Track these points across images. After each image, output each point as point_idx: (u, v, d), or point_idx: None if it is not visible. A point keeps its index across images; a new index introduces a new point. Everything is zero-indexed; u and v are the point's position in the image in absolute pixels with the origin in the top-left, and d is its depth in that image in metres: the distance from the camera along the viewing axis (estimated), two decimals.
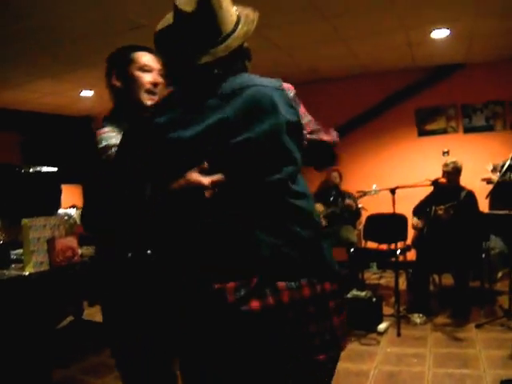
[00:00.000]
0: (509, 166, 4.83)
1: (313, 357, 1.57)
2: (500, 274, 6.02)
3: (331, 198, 6.88)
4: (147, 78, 2.20)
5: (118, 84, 2.20)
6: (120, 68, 2.22)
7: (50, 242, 3.26)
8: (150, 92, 2.18)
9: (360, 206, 6.66)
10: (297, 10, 4.59)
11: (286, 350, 1.53)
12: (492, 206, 6.66)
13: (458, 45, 6.19)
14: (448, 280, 5.58)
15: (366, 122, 7.71)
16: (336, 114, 7.67)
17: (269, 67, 6.48)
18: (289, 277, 1.53)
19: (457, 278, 5.24)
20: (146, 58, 2.25)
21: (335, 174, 7.13)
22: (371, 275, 7.05)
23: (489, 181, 5.57)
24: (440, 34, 5.69)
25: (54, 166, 5.76)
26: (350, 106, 7.72)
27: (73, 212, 4.82)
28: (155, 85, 2.20)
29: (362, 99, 7.65)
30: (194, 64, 1.62)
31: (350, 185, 7.10)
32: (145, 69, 2.22)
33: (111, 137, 2.06)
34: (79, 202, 8.66)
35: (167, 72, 2.06)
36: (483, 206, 5.45)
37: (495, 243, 5.85)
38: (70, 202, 7.98)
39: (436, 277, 6.04)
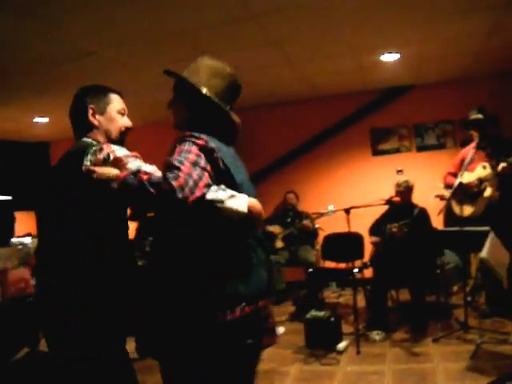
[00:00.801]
0: (459, 183, 4.98)
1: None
2: (455, 288, 6.15)
3: (288, 220, 6.98)
4: (124, 121, 2.34)
5: (95, 122, 2.26)
6: (98, 107, 2.28)
7: (2, 273, 3.23)
8: (123, 134, 2.32)
9: (317, 226, 6.75)
10: (245, 34, 4.67)
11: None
12: (446, 221, 6.86)
13: (408, 67, 6.37)
14: (405, 296, 5.67)
15: (321, 143, 7.82)
16: (292, 136, 7.81)
17: None
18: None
19: (413, 293, 5.34)
20: (122, 102, 2.38)
21: (292, 196, 7.24)
22: (330, 294, 7.10)
23: (442, 197, 5.72)
24: (390, 57, 5.83)
25: (7, 193, 5.65)
26: (306, 127, 7.84)
27: (28, 240, 4.75)
28: (128, 129, 2.34)
29: (317, 121, 7.76)
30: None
31: (307, 205, 7.21)
32: (122, 112, 2.34)
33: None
34: (34, 230, 8.43)
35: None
36: (437, 222, 5.60)
37: (450, 258, 5.97)
38: (25, 229, 7.83)
39: (394, 293, 6.14)
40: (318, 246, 6.71)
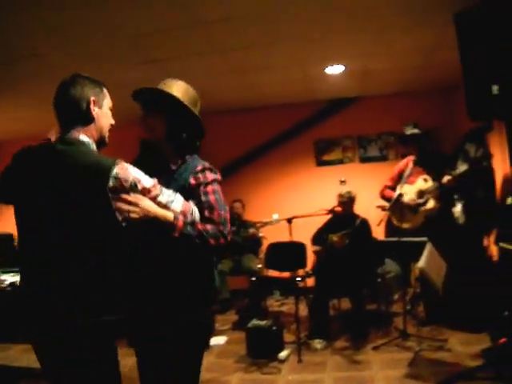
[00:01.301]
0: (399, 195, 5.09)
1: None
2: (396, 296, 6.27)
3: (234, 228, 6.96)
4: (112, 119, 2.34)
5: (94, 115, 2.20)
6: (98, 99, 2.24)
7: None
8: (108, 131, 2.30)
9: (260, 234, 6.78)
10: (193, 42, 4.67)
11: None
12: (387, 231, 7.00)
13: (353, 80, 6.48)
14: (347, 304, 5.76)
15: (266, 153, 7.87)
16: (239, 145, 7.83)
17: None
18: None
19: (353, 302, 5.43)
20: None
21: (238, 205, 7.24)
22: (274, 302, 7.13)
23: (383, 208, 5.84)
24: (335, 69, 5.92)
25: None
26: (252, 136, 7.88)
27: None
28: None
29: (262, 130, 7.81)
30: None
31: (253, 214, 7.23)
32: (111, 109, 2.35)
33: None
34: None
35: None
36: (379, 231, 5.71)
37: (390, 267, 6.10)
38: None
39: (336, 302, 6.22)
40: (262, 255, 6.73)
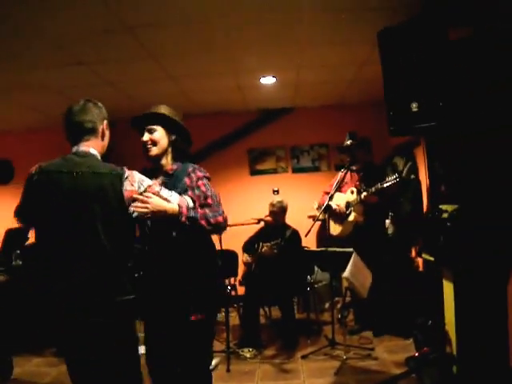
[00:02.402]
0: (326, 206, 5.18)
1: None
2: (327, 305, 6.37)
3: None
4: None
5: (106, 133, 2.73)
6: (108, 122, 2.74)
7: None
8: None
9: None
10: (120, 46, 4.63)
11: None
12: (318, 241, 7.12)
13: (285, 91, 6.57)
14: (278, 312, 5.79)
15: (200, 161, 7.73)
16: None
17: (102, 103, 6.48)
18: None
19: (283, 310, 5.49)
20: None
21: None
22: None
23: (314, 218, 5.92)
24: (267, 80, 5.99)
25: None
26: None
27: None
28: None
29: (196, 138, 7.65)
30: None
31: None
32: None
33: None
34: None
35: None
36: (310, 241, 5.79)
37: (321, 276, 6.21)
38: None
39: (267, 310, 6.27)
40: None
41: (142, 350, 2.95)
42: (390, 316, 5.28)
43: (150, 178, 2.72)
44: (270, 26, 4.28)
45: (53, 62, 4.90)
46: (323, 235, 7.16)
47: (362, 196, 5.25)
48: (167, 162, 3.04)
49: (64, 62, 4.92)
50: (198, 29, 4.31)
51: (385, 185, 4.97)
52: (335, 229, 5.55)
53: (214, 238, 5.16)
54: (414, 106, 2.93)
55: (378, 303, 5.39)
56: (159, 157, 3.01)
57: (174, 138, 3.05)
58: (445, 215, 3.70)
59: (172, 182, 2.90)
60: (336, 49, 4.90)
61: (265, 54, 5.06)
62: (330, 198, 5.02)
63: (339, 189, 5.39)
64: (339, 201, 5.46)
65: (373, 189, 5.11)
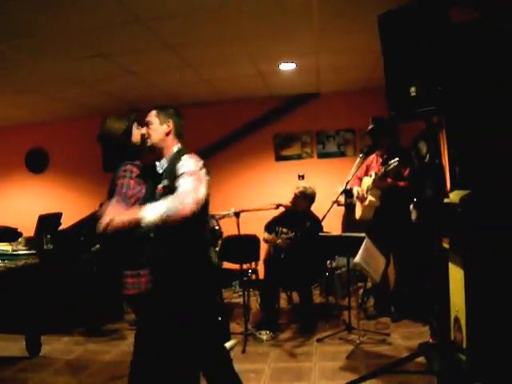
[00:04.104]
0: (344, 190, 5.18)
1: None
2: (348, 290, 6.36)
3: None
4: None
5: None
6: None
7: None
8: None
9: (217, 227, 6.84)
10: (138, 38, 4.73)
11: None
12: (344, 226, 7.10)
13: (307, 77, 6.58)
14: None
15: (226, 148, 7.94)
16: (197, 140, 7.84)
17: (125, 93, 6.62)
18: None
19: (300, 295, 5.53)
20: None
21: None
22: (232, 294, 7.22)
23: (338, 203, 5.91)
24: (287, 66, 6.01)
25: None
26: (211, 131, 7.93)
27: None
28: None
29: (222, 125, 7.90)
30: None
31: (211, 208, 7.21)
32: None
33: None
34: None
35: None
36: (334, 226, 5.76)
37: (343, 261, 6.20)
38: None
39: (288, 294, 6.32)
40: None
41: None
42: (411, 301, 5.27)
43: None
44: (286, 13, 4.30)
45: (74, 54, 5.05)
46: (348, 221, 7.17)
47: (371, 180, 5.23)
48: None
49: (84, 54, 5.06)
50: (212, 17, 4.36)
51: (388, 168, 4.96)
52: (358, 213, 5.56)
53: (232, 222, 5.35)
54: (413, 91, 2.91)
55: (398, 288, 5.39)
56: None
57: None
58: (456, 200, 3.67)
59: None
60: (353, 34, 4.87)
61: (282, 41, 5.08)
62: (347, 183, 5.03)
63: (366, 173, 5.38)
64: (365, 185, 5.45)
65: (379, 173, 5.09)
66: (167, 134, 3.03)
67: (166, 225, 2.59)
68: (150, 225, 2.58)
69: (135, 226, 2.57)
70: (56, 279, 5.16)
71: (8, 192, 8.88)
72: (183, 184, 2.68)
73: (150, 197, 2.90)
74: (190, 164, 2.80)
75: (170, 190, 2.74)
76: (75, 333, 5.53)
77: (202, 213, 2.75)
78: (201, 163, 2.86)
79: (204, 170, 2.83)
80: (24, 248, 5.45)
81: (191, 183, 2.68)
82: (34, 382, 4.29)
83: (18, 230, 7.14)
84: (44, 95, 6.61)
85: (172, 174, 2.82)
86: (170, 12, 4.12)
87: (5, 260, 4.74)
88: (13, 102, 6.97)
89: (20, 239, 5.82)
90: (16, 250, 5.32)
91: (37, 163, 8.63)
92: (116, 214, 2.59)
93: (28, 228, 6.29)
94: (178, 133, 3.09)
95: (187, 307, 2.88)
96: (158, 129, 3.03)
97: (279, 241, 5.51)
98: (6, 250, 5.31)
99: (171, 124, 3.04)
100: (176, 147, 3.05)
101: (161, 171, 3.00)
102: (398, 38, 3.02)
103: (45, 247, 5.38)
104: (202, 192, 2.70)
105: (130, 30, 4.44)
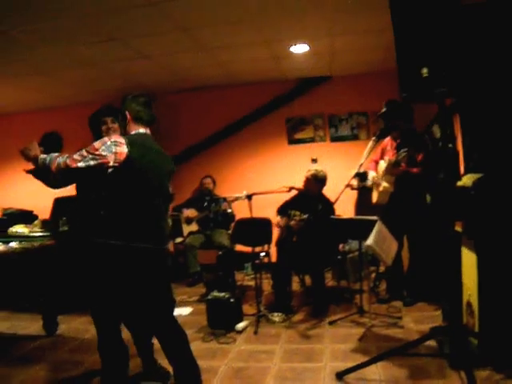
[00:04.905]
0: (358, 174, 5.17)
1: None
2: (361, 274, 6.37)
3: (205, 204, 7.06)
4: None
5: None
6: None
7: None
8: None
9: (229, 210, 6.89)
10: (150, 20, 4.74)
11: None
12: (356, 212, 7.08)
13: (320, 59, 6.55)
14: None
15: (238, 131, 7.96)
16: (209, 122, 7.89)
17: (139, 76, 6.63)
18: None
19: (313, 278, 5.55)
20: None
21: (209, 180, 7.33)
22: (245, 276, 7.26)
23: (351, 187, 5.90)
24: (300, 49, 5.99)
25: None
26: (223, 114, 7.95)
27: None
28: None
29: (234, 108, 7.90)
30: None
31: (224, 191, 7.31)
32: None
33: None
34: None
35: None
36: (347, 210, 5.74)
37: (356, 245, 6.19)
38: None
39: (301, 276, 6.35)
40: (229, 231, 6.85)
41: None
42: (424, 285, 5.27)
43: None
44: None
45: (87, 38, 5.07)
46: (360, 204, 7.16)
47: (383, 167, 5.22)
48: None
49: (97, 37, 5.09)
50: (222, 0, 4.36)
51: (398, 158, 4.97)
52: (374, 197, 5.55)
53: (244, 205, 5.37)
54: (425, 72, 2.88)
55: (411, 272, 5.39)
56: None
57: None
58: (469, 184, 3.66)
59: None
60: (367, 14, 4.84)
61: (295, 23, 5.07)
62: (360, 166, 5.02)
63: (382, 156, 5.38)
64: (380, 169, 5.44)
65: (391, 160, 5.09)
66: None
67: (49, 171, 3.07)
68: (39, 164, 3.16)
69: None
70: (71, 260, 5.22)
71: (24, 175, 8.93)
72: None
73: None
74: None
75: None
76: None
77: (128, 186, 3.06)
78: (115, 139, 3.04)
79: (114, 146, 2.99)
80: (40, 230, 5.53)
81: (79, 151, 3.04)
82: (51, 360, 4.37)
83: (34, 213, 7.24)
84: (57, 79, 6.65)
85: None
86: None
87: (22, 241, 4.80)
88: (27, 87, 7.02)
89: (36, 221, 5.89)
90: (32, 232, 5.39)
91: (52, 147, 8.67)
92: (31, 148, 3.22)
93: (44, 211, 6.39)
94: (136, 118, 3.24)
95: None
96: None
97: (292, 222, 5.50)
98: (23, 232, 5.39)
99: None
100: (134, 131, 3.25)
101: None
102: (410, 18, 2.98)
103: (60, 229, 5.43)
104: (84, 158, 2.99)
105: (143, 12, 4.45)
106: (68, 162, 2.98)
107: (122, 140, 3.00)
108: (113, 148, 2.96)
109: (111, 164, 2.96)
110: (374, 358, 3.64)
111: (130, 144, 3.00)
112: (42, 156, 3.14)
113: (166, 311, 3.33)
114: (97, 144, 2.99)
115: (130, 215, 3.06)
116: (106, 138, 3.03)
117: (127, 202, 3.05)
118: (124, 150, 2.97)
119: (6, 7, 4.17)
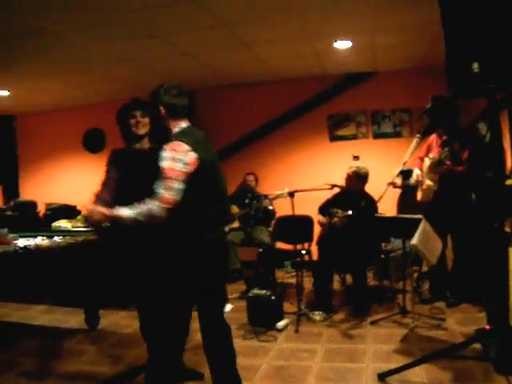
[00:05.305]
0: (401, 171, 5.08)
1: None
2: (403, 273, 6.27)
3: (246, 201, 7.05)
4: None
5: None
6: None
7: None
8: None
9: (271, 207, 6.86)
10: (191, 16, 4.72)
11: None
12: (399, 209, 6.97)
13: (362, 55, 6.46)
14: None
15: (280, 127, 7.92)
16: (250, 119, 7.89)
17: (180, 73, 6.66)
18: None
19: (354, 277, 5.48)
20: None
21: (251, 177, 7.32)
22: (285, 274, 7.23)
23: (394, 185, 5.80)
24: (342, 44, 5.92)
25: None
26: (265, 111, 7.93)
27: None
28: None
29: (276, 104, 7.86)
30: None
31: (265, 188, 7.30)
32: None
33: None
34: None
35: None
36: (390, 208, 5.64)
37: (399, 244, 6.09)
38: None
39: (341, 275, 6.29)
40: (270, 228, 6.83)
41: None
42: (468, 286, 5.16)
43: None
44: None
45: (128, 34, 5.11)
46: (404, 202, 7.04)
47: (427, 165, 5.13)
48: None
49: (138, 34, 5.12)
50: None
51: (441, 157, 4.86)
52: (419, 195, 5.46)
53: (285, 202, 5.33)
54: (476, 67, 2.80)
55: (456, 272, 5.28)
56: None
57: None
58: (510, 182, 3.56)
59: None
60: (411, 9, 4.73)
61: (338, 18, 5.00)
62: (404, 164, 4.94)
63: (427, 153, 5.29)
64: (425, 167, 5.33)
65: (434, 159, 4.99)
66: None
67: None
68: (127, 222, 2.86)
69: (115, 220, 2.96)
70: (114, 255, 5.27)
71: (67, 171, 9.16)
72: (157, 185, 2.84)
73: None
74: (164, 157, 2.87)
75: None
76: (132, 308, 5.67)
77: (191, 196, 2.91)
78: (181, 149, 2.87)
79: (185, 156, 2.85)
80: (83, 225, 5.61)
81: (162, 184, 2.81)
82: (93, 354, 4.44)
83: (77, 208, 7.35)
84: (99, 77, 6.74)
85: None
86: None
87: (65, 236, 4.87)
88: (68, 84, 7.14)
89: (79, 216, 5.98)
90: (75, 227, 5.48)
91: (94, 143, 8.86)
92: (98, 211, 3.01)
93: None
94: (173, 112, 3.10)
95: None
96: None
97: (335, 219, 5.43)
98: (66, 227, 5.48)
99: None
100: (177, 128, 3.09)
101: None
102: (460, 11, 2.90)
103: (102, 225, 5.50)
104: (174, 189, 2.80)
105: (184, 8, 4.45)
106: (164, 205, 2.79)
107: (185, 147, 2.88)
108: (184, 159, 2.84)
109: (190, 173, 2.89)
110: (417, 360, 3.58)
111: (192, 146, 2.90)
112: (122, 215, 2.89)
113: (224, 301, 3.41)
114: (169, 165, 2.84)
115: (203, 207, 3.03)
116: (169, 153, 2.87)
117: (199, 197, 3.00)
118: (193, 155, 2.88)
119: (56, 6, 4.22)
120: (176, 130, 3.07)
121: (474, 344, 3.68)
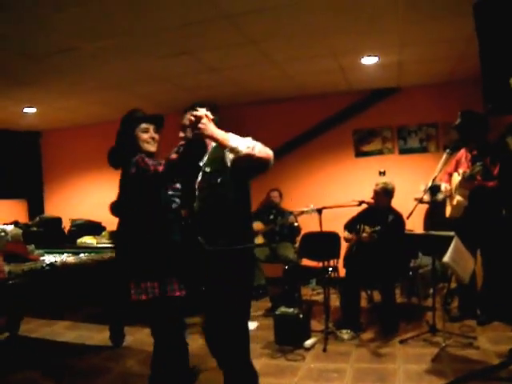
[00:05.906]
0: (430, 187, 5.01)
1: None
2: (431, 291, 6.18)
3: (271, 217, 7.03)
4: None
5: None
6: None
7: None
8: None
9: (296, 224, 6.82)
10: (220, 34, 4.76)
11: None
12: (426, 225, 6.88)
13: (389, 70, 6.42)
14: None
15: (305, 143, 7.91)
16: (275, 135, 7.85)
17: (206, 89, 6.69)
18: None
19: (383, 294, 5.39)
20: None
21: (276, 193, 7.30)
22: (310, 291, 7.16)
23: (421, 200, 5.72)
24: (369, 60, 5.90)
25: None
26: (290, 127, 7.92)
27: (8, 228, 4.85)
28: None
29: (301, 120, 7.86)
30: None
31: (290, 204, 7.26)
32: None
33: None
34: (23, 218, 8.60)
35: None
36: (416, 224, 5.57)
37: (426, 261, 6.01)
38: (13, 217, 7.94)
39: (369, 293, 6.21)
40: (296, 244, 6.78)
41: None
42: (499, 303, 5.05)
43: None
44: (368, 6, 4.22)
45: (159, 52, 5.15)
46: (431, 217, 6.94)
47: (457, 180, 5.06)
48: None
49: (168, 52, 5.17)
50: (296, 12, 4.32)
51: (473, 172, 4.80)
52: (447, 210, 5.39)
53: (315, 219, 5.29)
54: None
55: (486, 289, 5.18)
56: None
57: None
58: None
59: None
60: (439, 24, 4.70)
61: (366, 34, 4.99)
62: (434, 179, 4.87)
63: (456, 168, 5.27)
64: (454, 182, 5.27)
65: (465, 174, 4.93)
66: None
67: (245, 160, 2.72)
68: (235, 150, 2.70)
69: (221, 144, 2.78)
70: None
71: (91, 187, 9.22)
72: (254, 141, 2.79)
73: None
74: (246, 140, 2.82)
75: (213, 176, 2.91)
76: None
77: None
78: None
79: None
80: (108, 241, 5.62)
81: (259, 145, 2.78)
82: (118, 372, 4.41)
83: (102, 224, 7.38)
84: (126, 93, 6.79)
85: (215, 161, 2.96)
86: (254, 7, 4.12)
87: (91, 253, 4.88)
88: (96, 100, 7.22)
89: (104, 233, 6.02)
90: (100, 243, 5.49)
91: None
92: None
93: (111, 222, 6.48)
94: None
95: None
96: None
97: (364, 235, 5.36)
98: (91, 243, 5.50)
99: None
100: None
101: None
102: (496, 26, 2.86)
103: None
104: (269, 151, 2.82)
105: (215, 26, 4.49)
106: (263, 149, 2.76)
107: None
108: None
109: None
110: (451, 382, 3.49)
111: None
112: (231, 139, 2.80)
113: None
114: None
115: (244, 217, 3.06)
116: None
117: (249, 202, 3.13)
118: None
119: (83, 23, 4.27)
120: (214, 144, 3.05)
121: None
